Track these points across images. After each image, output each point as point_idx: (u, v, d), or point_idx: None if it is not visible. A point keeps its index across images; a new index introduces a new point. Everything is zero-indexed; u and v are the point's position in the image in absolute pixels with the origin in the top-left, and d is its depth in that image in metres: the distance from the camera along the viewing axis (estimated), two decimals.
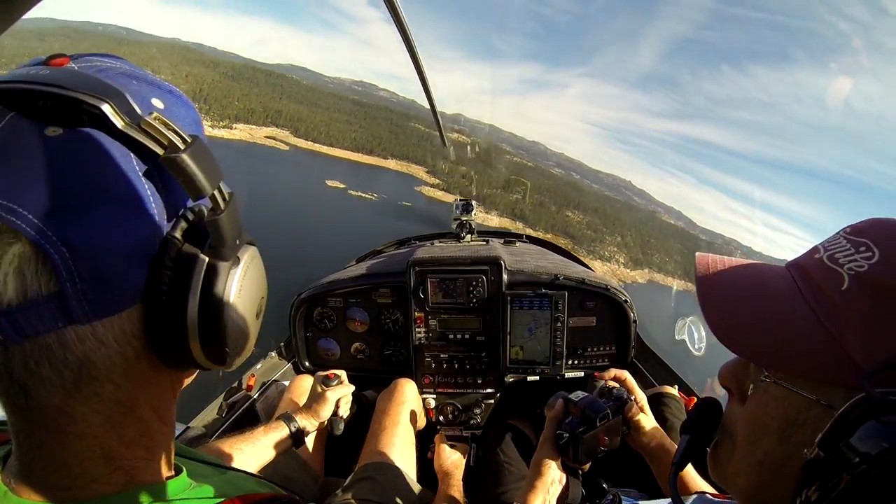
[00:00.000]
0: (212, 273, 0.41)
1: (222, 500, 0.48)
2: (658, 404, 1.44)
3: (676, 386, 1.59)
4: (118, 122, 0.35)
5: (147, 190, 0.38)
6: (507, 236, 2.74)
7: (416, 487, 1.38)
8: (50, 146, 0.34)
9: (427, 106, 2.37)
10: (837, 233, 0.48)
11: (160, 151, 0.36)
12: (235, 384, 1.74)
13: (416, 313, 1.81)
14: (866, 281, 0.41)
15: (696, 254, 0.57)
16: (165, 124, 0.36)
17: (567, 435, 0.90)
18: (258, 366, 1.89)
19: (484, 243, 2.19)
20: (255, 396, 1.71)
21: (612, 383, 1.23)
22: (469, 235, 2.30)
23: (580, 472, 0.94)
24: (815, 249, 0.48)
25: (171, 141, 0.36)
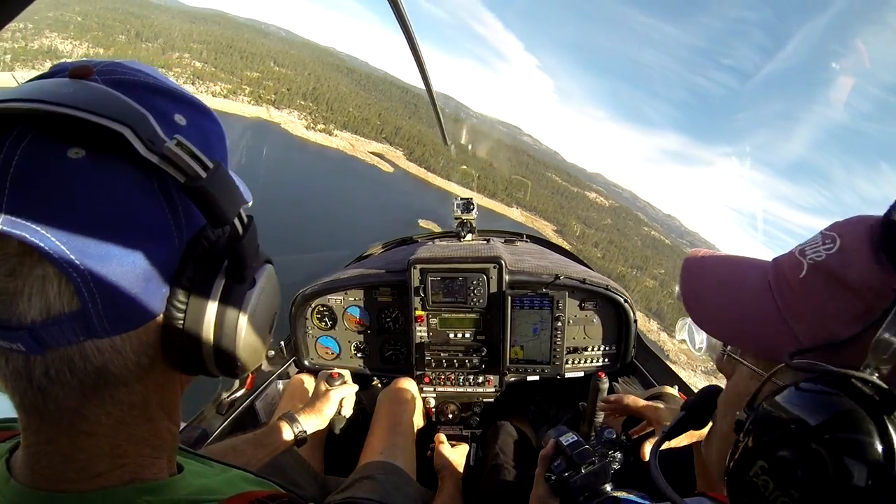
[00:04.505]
0: (228, 295, 0.43)
1: (223, 497, 0.48)
2: None
3: (676, 386, 1.59)
4: (140, 148, 0.35)
5: (168, 213, 0.39)
6: (508, 235, 2.74)
7: (417, 487, 1.38)
8: (73, 169, 0.34)
9: (434, 108, 2.36)
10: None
11: (182, 179, 0.37)
12: (235, 383, 1.74)
13: (416, 312, 1.81)
14: (820, 270, 0.43)
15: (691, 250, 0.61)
16: (188, 151, 0.37)
17: (554, 477, 0.95)
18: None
19: (485, 242, 2.19)
20: (255, 395, 1.71)
21: (601, 416, 1.30)
22: (470, 234, 2.29)
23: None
24: (797, 246, 0.50)
25: (192, 168, 0.37)
